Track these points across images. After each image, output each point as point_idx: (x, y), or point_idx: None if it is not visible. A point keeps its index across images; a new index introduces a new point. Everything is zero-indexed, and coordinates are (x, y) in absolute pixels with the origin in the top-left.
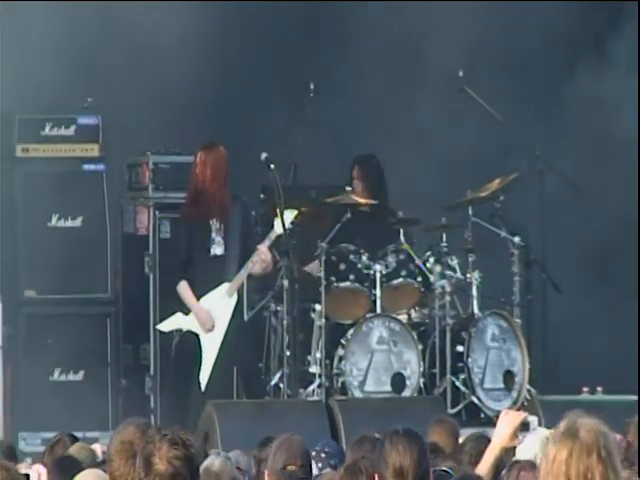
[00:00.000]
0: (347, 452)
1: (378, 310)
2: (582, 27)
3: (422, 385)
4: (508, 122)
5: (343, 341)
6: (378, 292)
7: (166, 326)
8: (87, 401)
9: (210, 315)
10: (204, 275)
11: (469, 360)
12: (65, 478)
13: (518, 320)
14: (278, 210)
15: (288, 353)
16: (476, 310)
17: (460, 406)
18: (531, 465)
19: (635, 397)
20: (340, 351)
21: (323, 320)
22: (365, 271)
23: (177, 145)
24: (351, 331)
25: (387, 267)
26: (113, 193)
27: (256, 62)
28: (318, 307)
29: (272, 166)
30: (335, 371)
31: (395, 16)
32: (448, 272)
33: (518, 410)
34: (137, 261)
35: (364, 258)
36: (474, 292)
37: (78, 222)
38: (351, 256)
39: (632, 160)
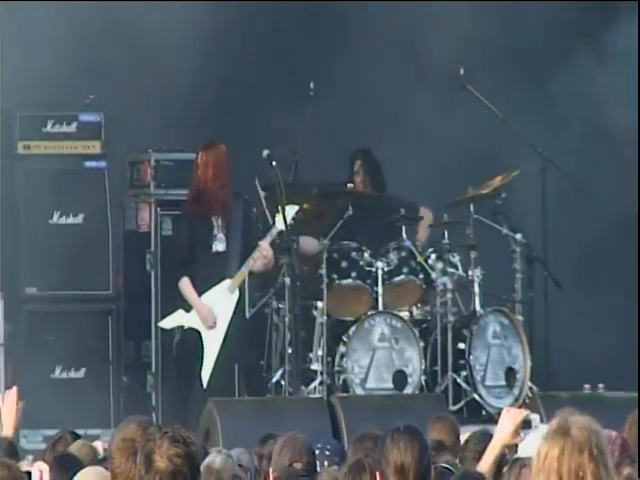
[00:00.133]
0: (348, 450)
1: (380, 307)
2: (581, 23)
3: (424, 382)
4: (509, 119)
5: (345, 338)
6: (380, 289)
7: (168, 323)
8: (88, 398)
9: (212, 312)
10: (206, 272)
11: (471, 357)
12: (66, 475)
13: (520, 317)
14: (279, 206)
15: (290, 350)
16: (478, 307)
17: (461, 403)
18: None
19: (635, 394)
20: (342, 348)
21: (325, 317)
22: (367, 268)
23: (179, 142)
24: (353, 328)
25: (389, 264)
26: (115, 190)
27: (256, 61)
28: (320, 304)
29: (274, 163)
30: (337, 368)
31: (395, 15)
32: (450, 269)
33: (520, 407)
34: (139, 258)
35: (366, 255)
36: (476, 289)
37: (79, 219)
38: (353, 253)
39: (631, 158)
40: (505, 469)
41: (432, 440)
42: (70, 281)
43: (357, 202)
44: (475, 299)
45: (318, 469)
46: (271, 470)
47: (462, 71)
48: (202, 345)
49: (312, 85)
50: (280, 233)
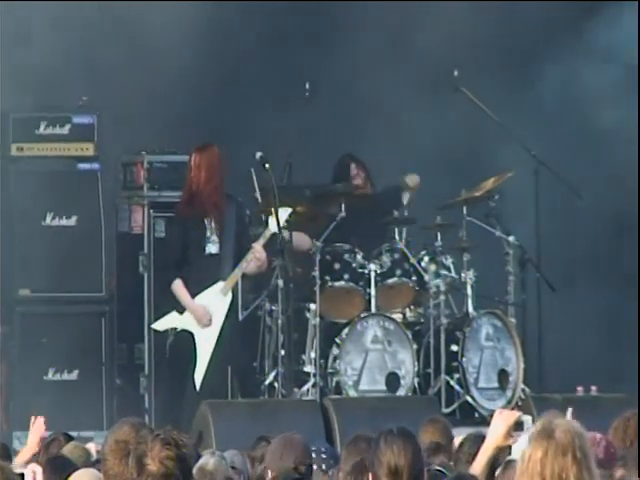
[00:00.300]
0: (342, 452)
1: (373, 309)
2: (573, 22)
3: (416, 385)
4: (503, 121)
5: (338, 340)
6: (373, 291)
7: (161, 325)
8: (81, 400)
9: (207, 310)
10: (199, 274)
11: (463, 359)
12: (59, 477)
13: (512, 319)
14: (273, 209)
15: (283, 352)
16: (470, 309)
17: (454, 405)
18: None
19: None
20: (335, 350)
21: (318, 319)
22: (360, 270)
23: (172, 145)
24: (346, 330)
25: (382, 266)
26: (108, 192)
27: (251, 62)
28: (313, 306)
29: (267, 165)
30: (330, 370)
31: (390, 16)
32: (443, 271)
33: (512, 409)
34: (132, 260)
35: (359, 257)
36: (469, 291)
37: (73, 221)
38: (346, 255)
39: (626, 159)
40: (498, 471)
41: (429, 442)
42: (63, 283)
43: (350, 204)
44: (468, 301)
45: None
46: (270, 471)
47: (456, 73)
48: (195, 347)
49: (307, 86)
50: (273, 235)
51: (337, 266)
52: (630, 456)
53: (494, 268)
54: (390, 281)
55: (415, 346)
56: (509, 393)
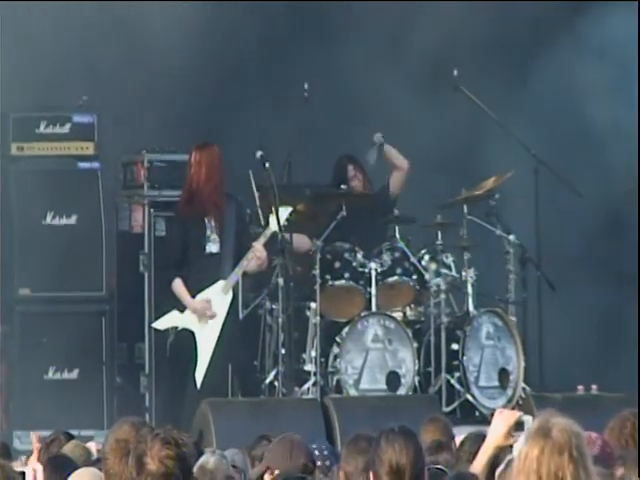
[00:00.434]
0: (342, 451)
1: (373, 308)
2: (566, 20)
3: (417, 383)
4: (503, 120)
5: (338, 339)
6: (373, 290)
7: (161, 324)
8: (82, 400)
9: (208, 303)
10: (199, 273)
11: (464, 358)
12: (60, 476)
13: (513, 318)
14: (273, 208)
15: (283, 351)
16: (471, 308)
17: (455, 404)
18: None
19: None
20: (335, 349)
21: (318, 318)
22: (360, 269)
23: (172, 144)
24: (346, 329)
25: (382, 265)
26: (108, 191)
27: (251, 62)
28: (313, 305)
29: (267, 164)
30: (330, 369)
31: (390, 16)
32: (443, 270)
33: (513, 409)
34: (132, 259)
35: (359, 256)
36: (469, 290)
37: (73, 220)
38: (346, 254)
39: (625, 157)
40: (498, 470)
41: (430, 441)
42: (63, 282)
43: (350, 203)
44: (468, 300)
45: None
46: (276, 472)
47: (455, 72)
48: (196, 346)
49: (306, 86)
50: (273, 234)
51: (337, 265)
52: (630, 456)
53: (495, 267)
54: (390, 280)
55: (416, 345)
56: (510, 392)
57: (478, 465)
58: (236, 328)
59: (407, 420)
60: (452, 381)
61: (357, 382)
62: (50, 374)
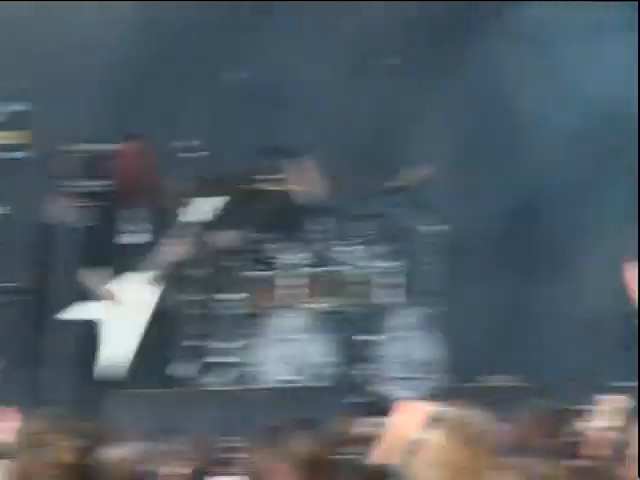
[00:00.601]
0: (248, 443)
1: (290, 300)
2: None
3: (333, 375)
4: (427, 108)
5: (254, 331)
6: (291, 281)
7: (72, 314)
8: None
9: (120, 293)
10: (121, 264)
11: (382, 349)
12: None
13: (433, 309)
14: (195, 199)
15: (199, 343)
16: (393, 299)
17: (370, 396)
18: None
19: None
20: (252, 341)
21: (235, 310)
22: (279, 260)
23: (101, 134)
24: (263, 320)
25: (302, 256)
26: (36, 181)
27: (177, 53)
28: (232, 297)
29: (191, 155)
30: (246, 361)
31: (315, 1)
32: (365, 261)
33: (428, 400)
34: (52, 250)
35: (279, 247)
36: (391, 281)
37: (3, 210)
38: (266, 246)
39: (547, 148)
40: (404, 459)
41: (343, 432)
42: None
43: (272, 195)
44: (390, 291)
45: None
46: (188, 466)
47: (381, 60)
48: (102, 337)
49: (230, 77)
50: (195, 225)
51: (257, 256)
52: (539, 447)
53: (417, 257)
54: (311, 271)
55: (334, 336)
56: (425, 383)
57: (384, 456)
58: (153, 319)
59: (320, 412)
60: (368, 372)
61: (272, 374)
62: None
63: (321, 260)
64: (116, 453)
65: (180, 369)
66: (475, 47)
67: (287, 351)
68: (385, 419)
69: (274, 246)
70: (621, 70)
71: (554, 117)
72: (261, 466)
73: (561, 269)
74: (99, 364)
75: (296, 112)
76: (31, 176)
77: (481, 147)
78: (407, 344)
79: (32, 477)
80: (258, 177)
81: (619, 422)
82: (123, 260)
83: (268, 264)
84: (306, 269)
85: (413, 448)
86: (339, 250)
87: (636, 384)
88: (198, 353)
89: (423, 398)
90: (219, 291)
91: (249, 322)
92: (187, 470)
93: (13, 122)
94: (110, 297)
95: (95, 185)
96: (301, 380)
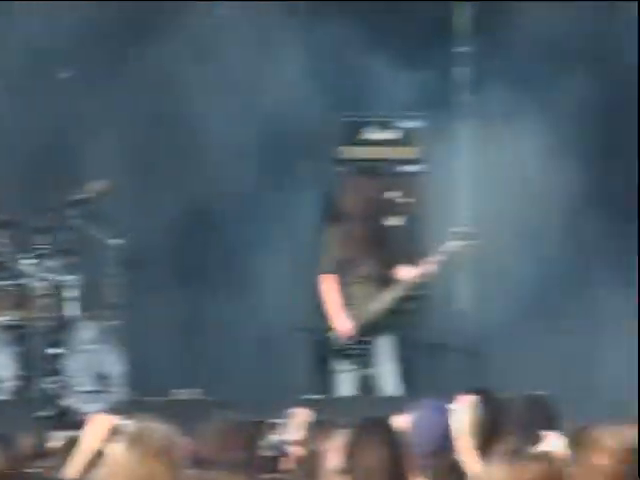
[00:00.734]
0: None
1: None
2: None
3: (16, 388)
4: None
5: None
6: None
7: None
8: None
9: None
10: None
11: (66, 363)
12: None
13: (115, 322)
14: None
15: None
16: (73, 313)
17: (53, 409)
18: None
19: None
20: None
21: None
22: None
23: None
24: None
25: None
26: None
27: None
28: None
29: None
30: None
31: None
32: (46, 274)
33: (111, 413)
34: None
35: None
36: (72, 294)
37: None
38: None
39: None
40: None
41: (28, 446)
42: None
43: None
44: (71, 304)
45: None
46: None
47: (66, 73)
48: None
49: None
50: None
51: None
52: (226, 461)
53: (99, 270)
54: None
55: (16, 349)
56: (109, 396)
57: (73, 470)
58: None
59: (5, 426)
60: (52, 386)
61: None
62: None
63: (3, 273)
64: None
65: None
66: (150, 55)
67: None
68: (76, 433)
69: None
70: (294, 85)
71: (230, 130)
72: None
73: (241, 281)
74: None
75: None
76: None
77: (158, 159)
78: (90, 357)
79: None
80: None
81: (305, 435)
82: None
83: None
84: None
85: (97, 461)
86: (22, 263)
87: (325, 397)
88: None
89: (109, 412)
90: None
91: None
92: None
93: None
94: None
95: None
96: None
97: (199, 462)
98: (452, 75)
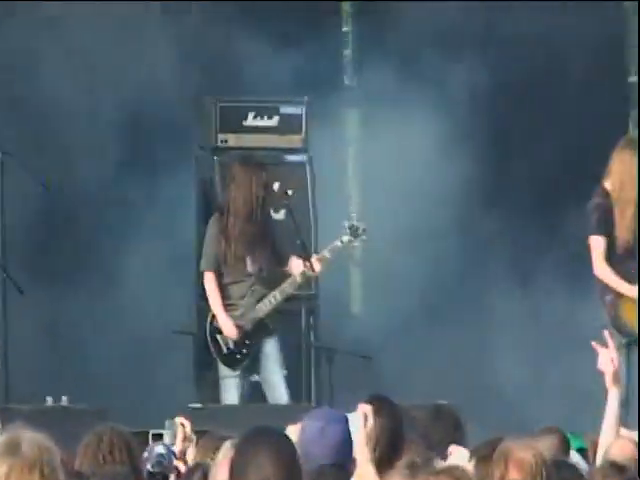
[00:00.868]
0: None
1: None
2: None
3: None
4: None
5: None
6: None
7: None
8: None
9: None
10: None
11: None
12: None
13: None
14: None
15: None
16: None
17: None
18: None
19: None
20: None
21: None
22: None
23: None
24: None
25: None
26: None
27: None
28: None
29: None
30: None
31: None
32: None
33: None
34: None
35: None
36: None
37: None
38: None
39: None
40: None
41: None
42: None
43: None
44: None
45: None
46: None
47: None
48: None
49: None
50: None
51: None
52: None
53: None
54: None
55: None
56: None
57: None
58: None
59: None
60: None
61: None
62: None
63: None
64: None
65: None
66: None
67: None
68: None
69: None
70: (164, 69)
71: (91, 116)
72: None
73: (110, 280)
74: None
75: None
76: None
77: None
78: None
79: None
80: None
81: (187, 448)
82: None
83: None
84: None
85: None
86: None
87: (208, 406)
88: None
89: None
90: None
91: None
92: None
93: None
94: None
95: None
96: None
97: (75, 477)
98: (337, 58)
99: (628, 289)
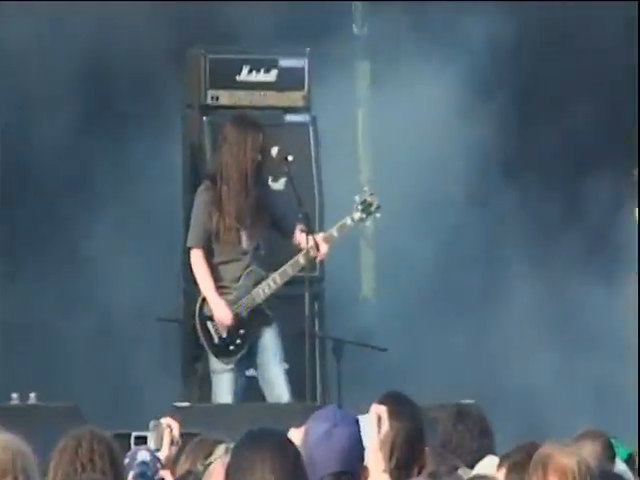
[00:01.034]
0: None
1: None
2: None
3: None
4: None
5: None
6: None
7: None
8: None
9: None
10: None
11: None
12: None
13: None
14: None
15: None
16: None
17: None
18: None
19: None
20: None
21: None
22: None
23: None
24: None
25: None
26: None
27: None
28: None
29: None
30: None
31: None
32: None
33: None
34: None
35: None
36: None
37: None
38: None
39: None
40: None
41: None
42: None
43: None
44: None
45: None
46: None
47: None
48: None
49: None
50: None
51: None
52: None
53: None
54: None
55: None
56: None
57: None
58: None
59: None
60: None
61: None
62: None
63: None
64: None
65: None
66: None
67: None
68: None
69: None
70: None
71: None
72: None
73: (78, 261)
74: None
75: None
76: None
77: None
78: None
79: None
80: None
81: (174, 453)
82: None
83: None
84: None
85: None
86: None
87: (199, 405)
88: None
89: None
90: None
91: None
92: None
93: None
94: None
95: None
96: None
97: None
98: (344, 3)
99: None
